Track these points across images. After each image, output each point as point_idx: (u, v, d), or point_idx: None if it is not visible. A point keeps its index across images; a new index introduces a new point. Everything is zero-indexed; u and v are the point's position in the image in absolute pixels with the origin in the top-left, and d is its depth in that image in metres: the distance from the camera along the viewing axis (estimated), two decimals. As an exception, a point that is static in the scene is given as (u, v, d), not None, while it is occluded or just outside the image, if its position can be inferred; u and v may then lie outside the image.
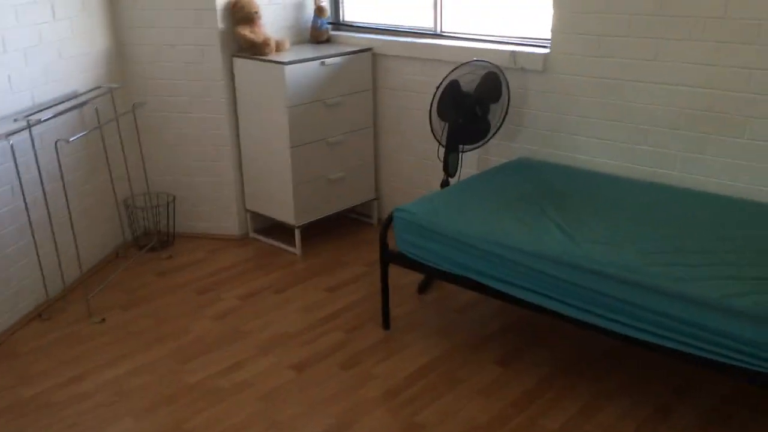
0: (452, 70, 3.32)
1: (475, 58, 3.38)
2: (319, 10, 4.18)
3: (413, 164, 4.17)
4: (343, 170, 4.12)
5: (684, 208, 2.88)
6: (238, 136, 4.07)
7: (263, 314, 3.37)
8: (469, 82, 3.34)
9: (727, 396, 2.64)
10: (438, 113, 3.37)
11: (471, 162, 3.75)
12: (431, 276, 3.34)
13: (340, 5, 4.38)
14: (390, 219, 3.01)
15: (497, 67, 3.37)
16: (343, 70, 3.96)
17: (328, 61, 3.87)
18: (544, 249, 2.56)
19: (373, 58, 4.12)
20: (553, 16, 3.31)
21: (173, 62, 3.95)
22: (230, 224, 4.25)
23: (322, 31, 4.21)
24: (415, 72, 3.98)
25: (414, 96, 4.01)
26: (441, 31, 3.95)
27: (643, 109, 3.14)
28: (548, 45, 3.40)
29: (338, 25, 4.38)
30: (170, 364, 2.95)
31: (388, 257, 3.06)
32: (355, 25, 4.34)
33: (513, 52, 3.48)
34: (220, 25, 3.83)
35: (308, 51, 4.01)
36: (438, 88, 3.30)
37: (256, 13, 3.84)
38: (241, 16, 3.82)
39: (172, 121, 4.07)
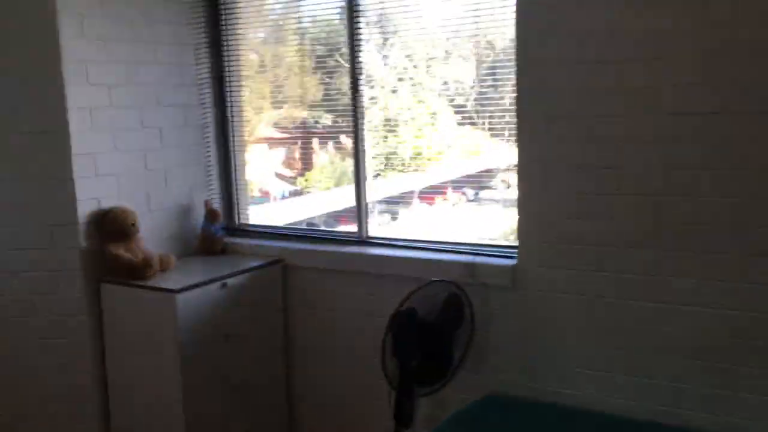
0: (408, 296, 2.57)
1: (433, 278, 2.66)
2: (211, 215, 3.37)
3: (339, 401, 3.27)
4: (248, 419, 3.14)
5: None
6: (105, 386, 3.00)
7: None
8: (427, 308, 2.60)
9: None
10: (392, 350, 2.57)
11: (424, 398, 2.91)
12: None
13: (236, 206, 3.60)
14: None
15: (458, 286, 2.66)
16: (247, 290, 3.11)
17: (231, 281, 3.01)
18: None
19: (283, 272, 3.30)
20: (520, 218, 2.71)
21: (15, 293, 2.92)
22: (92, 507, 3.06)
23: (216, 239, 3.37)
24: (338, 287, 3.19)
25: (338, 316, 3.20)
26: (367, 237, 3.24)
27: (646, 333, 2.52)
28: (515, 254, 2.76)
29: (235, 230, 3.57)
30: None
31: None
32: (256, 230, 3.55)
33: (471, 264, 2.80)
34: (84, 243, 2.89)
35: (201, 268, 3.14)
36: (392, 320, 2.53)
37: (134, 225, 2.96)
38: (113, 230, 2.92)
39: (5, 369, 2.97)
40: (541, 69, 2.55)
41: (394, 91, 3.09)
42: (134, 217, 2.98)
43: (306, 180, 3.63)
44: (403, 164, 3.20)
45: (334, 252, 3.18)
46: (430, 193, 3.26)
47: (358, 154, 3.16)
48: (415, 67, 2.99)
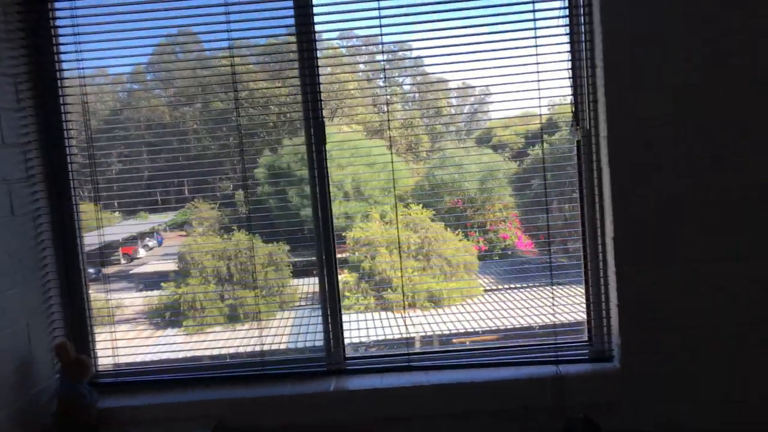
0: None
1: (570, 415, 1.72)
2: (75, 367, 1.92)
3: None
4: None
5: None
6: None
7: None
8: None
9: None
10: None
11: None
12: None
13: (91, 344, 2.14)
14: None
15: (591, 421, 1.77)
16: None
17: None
18: None
19: (224, 442, 1.99)
20: (620, 303, 1.94)
21: None
22: None
23: (88, 407, 1.92)
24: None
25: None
26: (344, 359, 2.13)
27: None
28: (595, 351, 2.00)
29: (98, 384, 2.10)
30: None
31: None
32: (136, 379, 2.13)
33: (557, 376, 1.94)
34: None
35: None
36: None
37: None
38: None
39: None
40: (631, 123, 1.90)
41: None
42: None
43: None
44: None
45: (298, 395, 1.99)
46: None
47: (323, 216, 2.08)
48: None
